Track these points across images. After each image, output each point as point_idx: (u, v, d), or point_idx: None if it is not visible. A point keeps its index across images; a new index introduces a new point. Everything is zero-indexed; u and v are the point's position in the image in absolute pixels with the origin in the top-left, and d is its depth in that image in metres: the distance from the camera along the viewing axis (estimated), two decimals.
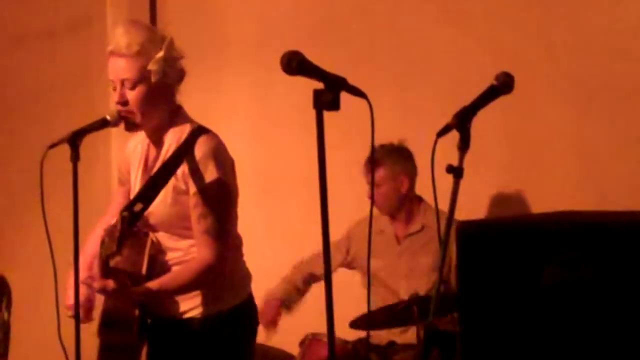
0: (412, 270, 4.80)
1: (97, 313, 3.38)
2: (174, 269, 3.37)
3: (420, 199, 4.89)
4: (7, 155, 5.47)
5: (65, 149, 3.21)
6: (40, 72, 5.66)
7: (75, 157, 3.20)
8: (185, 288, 3.35)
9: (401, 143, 4.84)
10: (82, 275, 3.26)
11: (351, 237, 4.95)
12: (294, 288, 5.01)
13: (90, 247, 3.51)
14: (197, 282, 3.33)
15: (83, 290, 3.28)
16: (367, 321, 4.28)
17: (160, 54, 3.31)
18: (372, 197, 2.77)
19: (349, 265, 4.99)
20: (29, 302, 4.57)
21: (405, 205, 4.87)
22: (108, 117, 3.33)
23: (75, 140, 3.21)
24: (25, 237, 5.15)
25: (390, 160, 4.80)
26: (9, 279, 4.31)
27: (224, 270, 3.34)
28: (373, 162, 2.75)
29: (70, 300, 3.31)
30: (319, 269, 4.86)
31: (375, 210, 4.85)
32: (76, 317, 3.17)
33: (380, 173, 4.78)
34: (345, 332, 4.72)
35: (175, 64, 3.37)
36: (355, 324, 4.48)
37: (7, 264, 4.74)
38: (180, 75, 3.40)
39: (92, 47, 5.55)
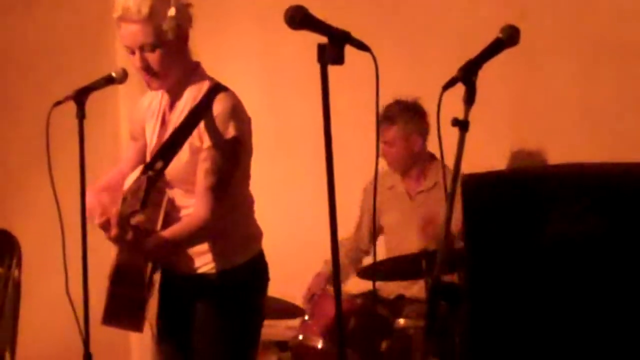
0: (429, 222, 4.76)
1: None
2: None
3: (433, 157, 4.85)
4: (14, 113, 5.47)
5: (73, 107, 3.22)
6: (46, 30, 5.65)
7: (81, 115, 3.20)
8: (182, 244, 3.36)
9: (415, 100, 4.79)
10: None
11: (363, 208, 4.92)
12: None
13: (99, 186, 3.46)
14: (191, 239, 3.35)
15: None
16: (373, 271, 4.28)
17: (172, 12, 3.26)
18: (377, 152, 2.76)
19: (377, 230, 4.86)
20: (38, 260, 4.60)
21: (417, 163, 4.85)
22: (113, 74, 3.31)
23: (80, 97, 3.21)
24: (33, 195, 5.16)
25: (402, 119, 4.78)
26: (18, 237, 4.33)
27: (215, 231, 3.34)
28: (377, 115, 2.74)
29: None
30: (358, 244, 4.87)
31: (386, 167, 4.84)
32: (84, 272, 3.18)
33: (392, 132, 4.76)
34: (354, 285, 4.74)
35: (186, 14, 3.32)
36: (363, 274, 4.47)
37: (16, 223, 4.76)
38: (191, 21, 3.36)
39: (97, 5, 5.52)
